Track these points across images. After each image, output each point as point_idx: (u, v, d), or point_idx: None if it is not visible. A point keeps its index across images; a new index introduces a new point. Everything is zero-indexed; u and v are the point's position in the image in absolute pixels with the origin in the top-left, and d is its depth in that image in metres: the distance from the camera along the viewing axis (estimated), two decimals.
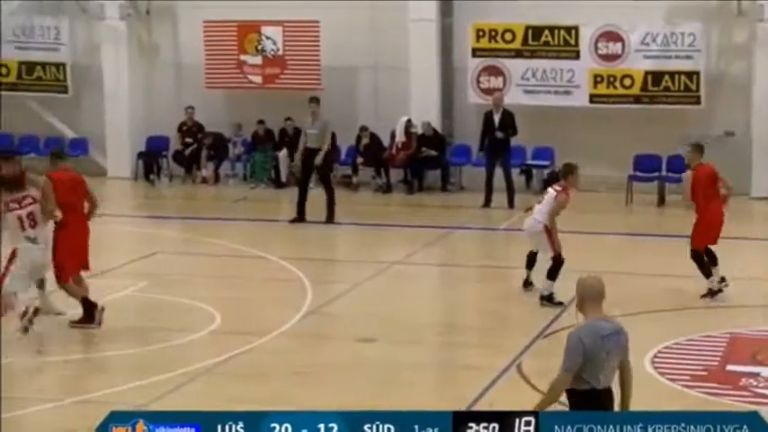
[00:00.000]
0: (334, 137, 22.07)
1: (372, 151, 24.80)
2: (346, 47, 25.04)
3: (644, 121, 23.76)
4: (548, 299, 14.87)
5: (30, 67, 26.94)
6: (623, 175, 23.47)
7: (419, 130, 24.73)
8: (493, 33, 24.36)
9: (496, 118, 22.82)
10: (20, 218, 12.87)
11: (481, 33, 24.44)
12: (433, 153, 24.67)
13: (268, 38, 25.63)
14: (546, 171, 24.37)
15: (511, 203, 22.46)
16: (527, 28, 24.18)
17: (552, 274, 14.84)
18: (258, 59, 25.71)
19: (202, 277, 17.28)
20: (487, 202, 22.60)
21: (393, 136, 24.97)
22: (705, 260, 15.40)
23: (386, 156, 24.81)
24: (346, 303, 15.47)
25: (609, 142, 23.75)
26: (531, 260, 15.56)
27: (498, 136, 22.63)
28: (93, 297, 14.09)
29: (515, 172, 23.57)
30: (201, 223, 21.41)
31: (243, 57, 25.77)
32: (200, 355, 12.91)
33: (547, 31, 24.05)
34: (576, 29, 23.94)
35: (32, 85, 27.00)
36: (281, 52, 25.52)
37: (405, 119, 24.65)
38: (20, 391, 11.52)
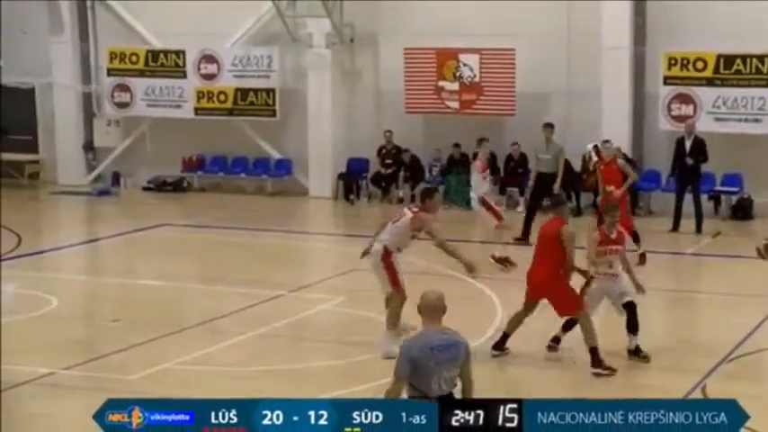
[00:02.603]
0: (567, 163, 22.78)
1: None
2: (540, 73, 25.52)
3: None
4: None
5: (244, 93, 28.28)
6: None
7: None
8: (685, 62, 24.55)
9: (688, 144, 22.86)
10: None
11: (673, 62, 24.66)
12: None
13: (465, 65, 26.25)
14: (734, 198, 24.50)
15: (699, 229, 22.52)
16: (718, 57, 24.27)
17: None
18: (455, 86, 26.34)
19: None
20: (676, 227, 22.73)
21: (584, 160, 25.42)
22: None
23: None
24: (535, 324, 15.79)
25: None
26: None
27: (689, 162, 22.67)
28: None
29: (704, 198, 23.64)
30: None
31: (441, 83, 26.40)
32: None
33: (738, 60, 24.10)
34: None
35: (245, 109, 28.31)
36: (477, 79, 26.13)
37: (591, 145, 25.03)
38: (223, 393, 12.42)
